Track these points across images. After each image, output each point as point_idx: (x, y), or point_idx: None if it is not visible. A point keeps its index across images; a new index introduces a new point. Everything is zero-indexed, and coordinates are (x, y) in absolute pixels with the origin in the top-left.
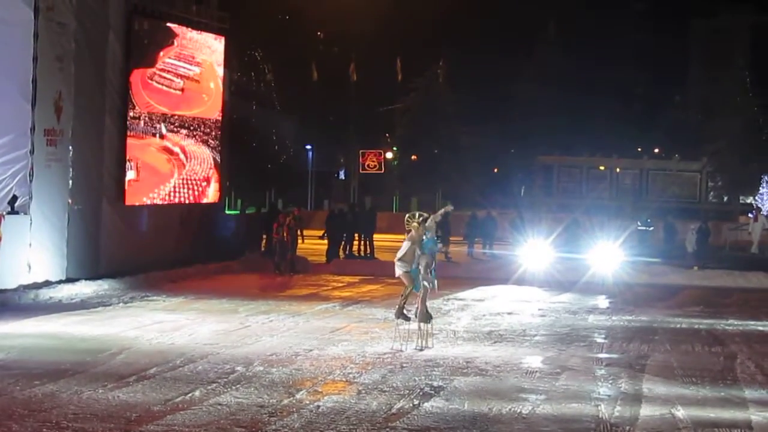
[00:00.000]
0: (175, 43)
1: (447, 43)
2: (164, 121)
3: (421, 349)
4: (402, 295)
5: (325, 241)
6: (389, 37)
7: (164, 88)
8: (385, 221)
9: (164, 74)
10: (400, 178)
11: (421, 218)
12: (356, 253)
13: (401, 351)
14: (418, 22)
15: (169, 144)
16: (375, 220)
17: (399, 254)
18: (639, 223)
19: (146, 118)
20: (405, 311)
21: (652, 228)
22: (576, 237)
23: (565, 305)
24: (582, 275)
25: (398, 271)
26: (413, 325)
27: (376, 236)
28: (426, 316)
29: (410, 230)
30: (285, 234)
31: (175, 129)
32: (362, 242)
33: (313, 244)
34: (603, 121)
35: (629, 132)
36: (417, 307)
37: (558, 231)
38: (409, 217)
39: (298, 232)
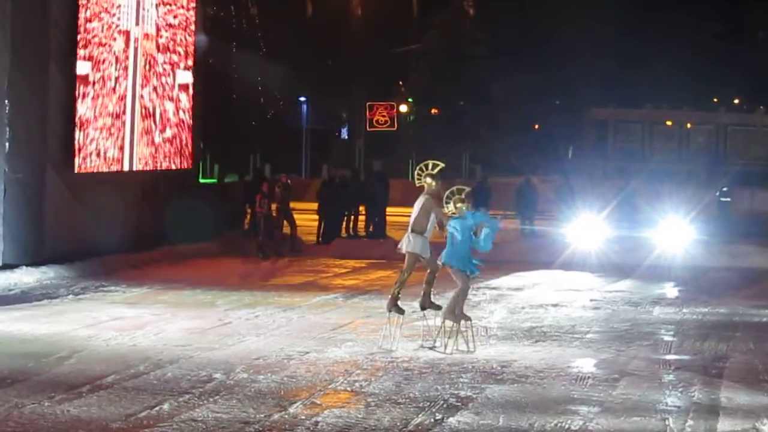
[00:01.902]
0: None
1: None
2: (122, 67)
3: (471, 351)
4: (398, 282)
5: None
6: None
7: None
8: (398, 191)
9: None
10: (416, 136)
11: (437, 169)
12: (362, 232)
13: (430, 349)
14: None
15: (127, 95)
16: (387, 190)
17: (410, 222)
18: (719, 193)
19: (99, 63)
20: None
21: (729, 199)
22: (637, 209)
23: (624, 295)
24: (645, 257)
25: (403, 245)
26: (431, 321)
27: (387, 210)
28: (455, 315)
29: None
30: (271, 207)
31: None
32: (370, 217)
33: (307, 220)
34: (669, 65)
35: (702, 79)
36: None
37: (615, 202)
38: (419, 169)
39: (288, 205)
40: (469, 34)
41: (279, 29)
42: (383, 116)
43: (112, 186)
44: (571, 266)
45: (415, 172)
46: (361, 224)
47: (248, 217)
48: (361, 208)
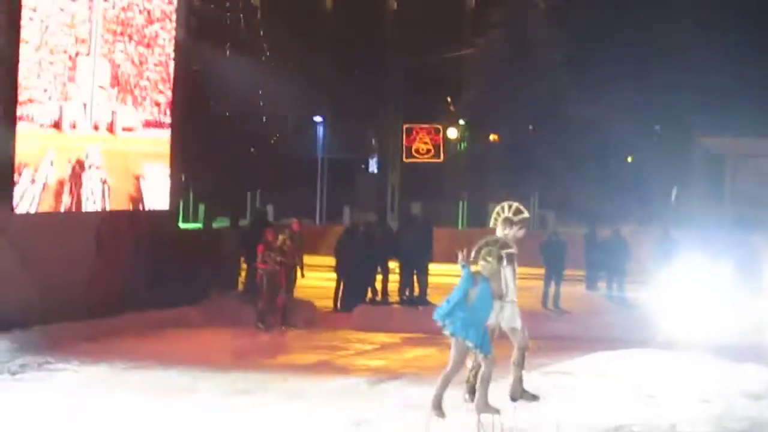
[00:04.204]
0: None
1: None
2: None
3: None
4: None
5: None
6: None
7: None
8: (444, 242)
9: None
10: (469, 171)
11: (520, 217)
12: (395, 296)
13: None
14: None
15: (81, 111)
16: (430, 241)
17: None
18: None
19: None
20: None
21: None
22: (763, 271)
23: (745, 384)
24: None
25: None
26: (489, 417)
27: (431, 267)
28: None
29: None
30: (277, 264)
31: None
32: (406, 277)
33: (323, 280)
34: None
35: None
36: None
37: (733, 261)
38: (501, 208)
39: (297, 261)
40: (539, 37)
41: (288, 28)
42: (425, 143)
43: (57, 231)
44: (673, 345)
45: (494, 212)
46: (393, 286)
47: (244, 275)
48: (394, 265)
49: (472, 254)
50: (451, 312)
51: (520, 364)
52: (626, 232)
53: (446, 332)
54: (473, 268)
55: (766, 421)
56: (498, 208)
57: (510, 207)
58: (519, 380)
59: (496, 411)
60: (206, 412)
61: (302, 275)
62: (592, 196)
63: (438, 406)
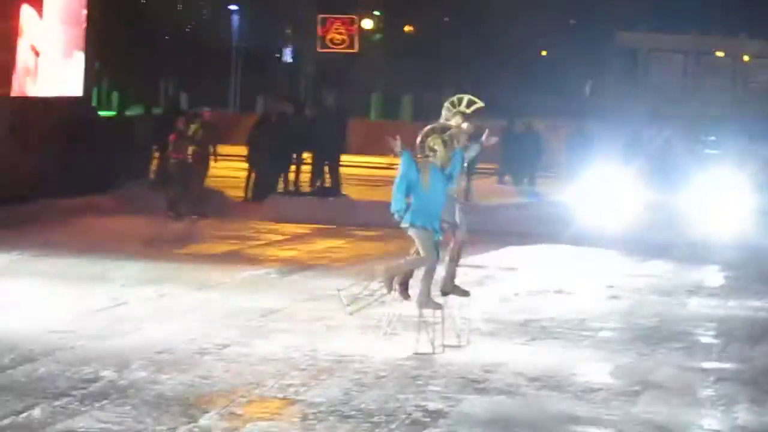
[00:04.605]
0: None
1: None
2: None
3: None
4: (406, 261)
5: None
6: None
7: None
8: (359, 134)
9: None
10: (384, 63)
11: (473, 107)
12: (307, 187)
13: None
14: None
15: None
16: (344, 132)
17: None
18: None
19: None
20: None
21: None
22: (674, 167)
23: (652, 281)
24: (682, 231)
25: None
26: (394, 309)
27: (344, 159)
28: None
29: (434, 145)
30: (188, 152)
31: None
32: (319, 167)
33: (235, 170)
34: None
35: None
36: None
37: (644, 156)
38: (450, 103)
39: (210, 150)
40: None
41: None
42: (340, 34)
43: None
44: (583, 241)
45: (445, 105)
46: (306, 176)
47: (157, 163)
48: (308, 156)
49: (417, 146)
50: (405, 202)
51: (455, 260)
52: (540, 127)
53: (404, 224)
54: (421, 159)
55: (675, 318)
56: (448, 104)
57: (460, 100)
58: (452, 275)
59: (438, 306)
60: (117, 301)
61: (215, 160)
62: (506, 89)
63: (390, 284)
